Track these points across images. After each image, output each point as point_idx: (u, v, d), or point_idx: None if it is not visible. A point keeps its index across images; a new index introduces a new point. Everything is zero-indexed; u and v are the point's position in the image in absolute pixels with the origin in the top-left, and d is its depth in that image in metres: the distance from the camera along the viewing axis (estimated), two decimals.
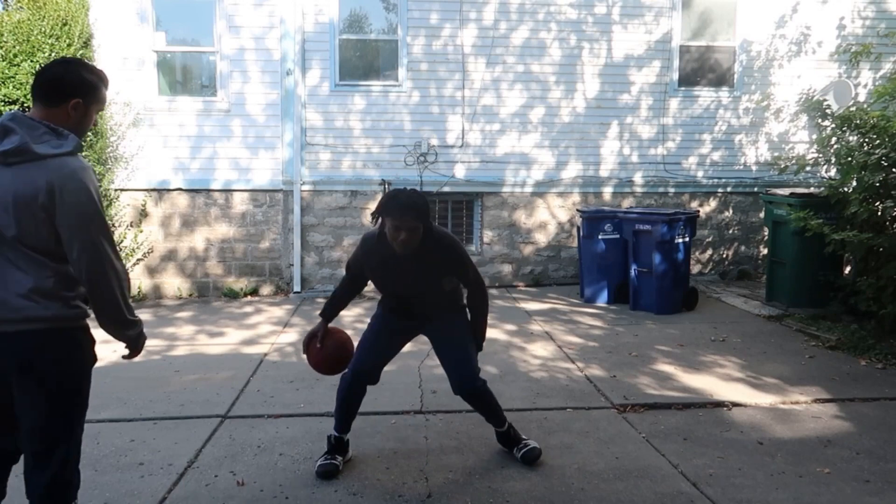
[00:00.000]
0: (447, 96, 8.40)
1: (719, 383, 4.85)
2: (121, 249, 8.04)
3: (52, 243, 2.18)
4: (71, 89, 2.27)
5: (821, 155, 7.04)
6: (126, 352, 2.49)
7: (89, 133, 7.31)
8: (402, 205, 3.10)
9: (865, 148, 6.12)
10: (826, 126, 6.90)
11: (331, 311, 3.59)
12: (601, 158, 8.70)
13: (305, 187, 8.35)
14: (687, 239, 7.14)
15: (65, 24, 7.37)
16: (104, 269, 2.21)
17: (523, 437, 3.68)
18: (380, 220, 3.24)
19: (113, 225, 7.96)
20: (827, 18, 8.71)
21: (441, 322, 3.52)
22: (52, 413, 2.25)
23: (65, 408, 2.29)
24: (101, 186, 7.54)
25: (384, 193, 3.29)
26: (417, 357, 5.42)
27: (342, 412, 3.56)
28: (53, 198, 2.13)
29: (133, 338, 2.41)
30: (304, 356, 3.59)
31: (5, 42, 7.12)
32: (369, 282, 3.63)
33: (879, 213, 6.01)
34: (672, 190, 8.81)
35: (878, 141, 5.99)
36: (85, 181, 2.18)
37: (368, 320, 6.76)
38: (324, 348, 3.49)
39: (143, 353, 4.92)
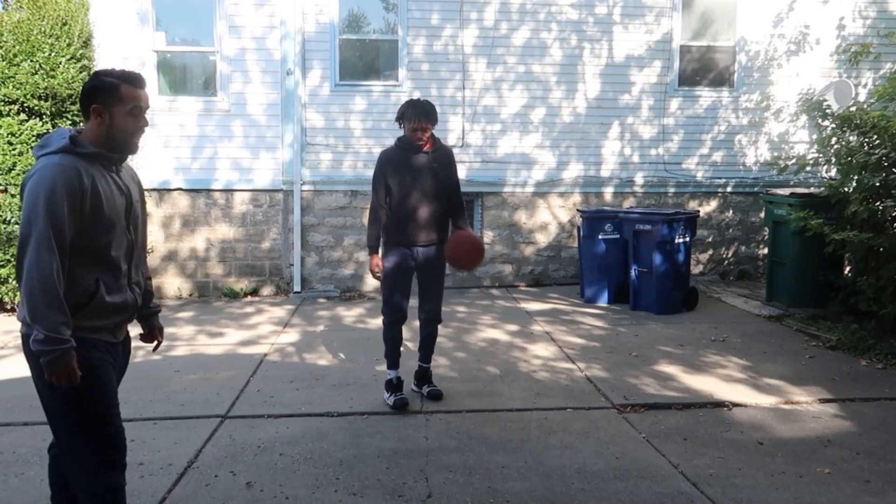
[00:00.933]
0: (448, 97, 8.39)
1: (719, 383, 4.85)
2: None
3: None
4: (88, 97, 2.33)
5: (821, 155, 7.04)
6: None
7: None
8: (420, 112, 4.19)
9: (865, 148, 6.12)
10: (826, 126, 6.90)
11: (377, 242, 4.44)
12: (602, 159, 8.70)
13: (306, 187, 8.35)
14: (687, 239, 7.14)
15: (65, 24, 7.37)
16: (21, 267, 2.20)
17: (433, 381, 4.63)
18: (401, 123, 4.29)
19: None
20: (827, 18, 8.71)
21: (430, 263, 4.37)
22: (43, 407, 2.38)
23: (45, 406, 2.36)
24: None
25: (404, 102, 4.34)
26: (417, 357, 5.41)
27: (394, 354, 4.48)
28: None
29: (39, 352, 2.17)
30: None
31: (5, 42, 7.12)
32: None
33: (879, 213, 6.01)
34: (672, 190, 8.81)
35: (878, 141, 5.99)
36: (37, 178, 2.21)
37: (370, 320, 6.79)
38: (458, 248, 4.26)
39: (142, 352, 4.93)
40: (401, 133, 4.38)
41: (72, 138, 2.29)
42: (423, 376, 4.63)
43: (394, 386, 4.45)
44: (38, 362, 2.21)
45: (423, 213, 4.30)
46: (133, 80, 2.36)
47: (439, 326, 4.62)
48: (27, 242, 2.18)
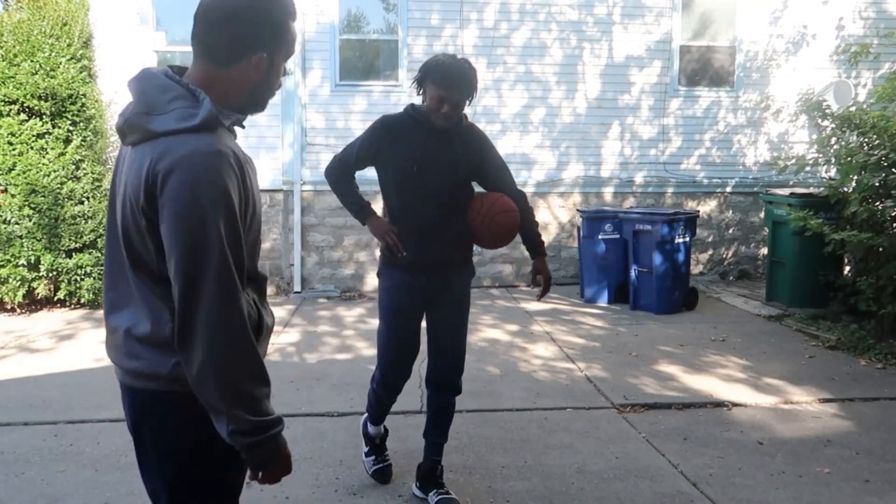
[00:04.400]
0: None
1: (719, 383, 4.85)
2: None
3: (163, 264, 1.46)
4: (255, 39, 1.53)
5: (820, 155, 7.04)
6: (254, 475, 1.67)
7: (89, 133, 7.36)
8: (454, 78, 2.76)
9: (865, 148, 6.12)
10: (826, 126, 6.91)
11: (361, 199, 3.10)
12: (602, 159, 8.70)
13: (306, 188, 8.35)
14: (687, 239, 7.15)
15: (65, 25, 7.37)
16: (194, 322, 1.42)
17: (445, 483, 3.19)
18: (421, 89, 2.88)
19: None
20: (826, 18, 8.71)
21: (453, 290, 3.05)
22: (162, 488, 1.66)
23: (176, 489, 1.65)
24: (101, 188, 7.53)
25: (430, 58, 2.86)
26: (417, 357, 5.42)
27: (379, 410, 3.26)
28: (154, 193, 1.41)
29: (249, 447, 1.51)
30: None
31: (5, 42, 7.12)
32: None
33: (879, 213, 6.01)
34: (672, 190, 8.81)
35: (877, 141, 5.99)
36: (191, 173, 1.39)
37: (370, 320, 6.76)
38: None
39: None
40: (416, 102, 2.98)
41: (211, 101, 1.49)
42: (430, 474, 3.13)
43: (376, 446, 3.31)
44: (174, 436, 1.59)
45: (431, 226, 2.90)
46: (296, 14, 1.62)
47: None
48: (199, 284, 1.40)
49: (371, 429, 3.32)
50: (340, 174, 3.11)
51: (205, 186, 1.39)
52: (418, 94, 2.93)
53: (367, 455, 3.38)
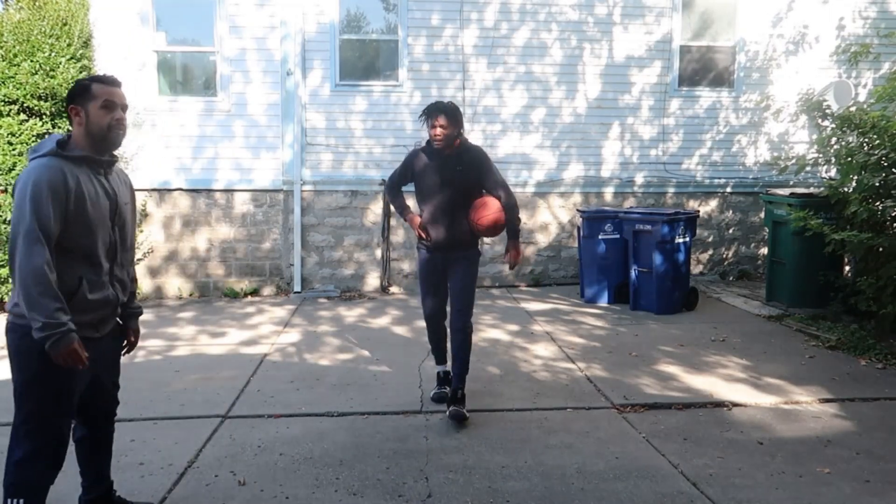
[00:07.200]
0: (448, 97, 8.32)
1: (719, 383, 4.85)
2: None
3: None
4: (67, 102, 2.60)
5: (821, 155, 7.03)
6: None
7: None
8: (436, 109, 4.15)
9: (865, 148, 6.12)
10: (826, 126, 6.91)
11: (405, 205, 4.49)
12: (602, 159, 8.70)
13: (306, 188, 8.35)
14: (687, 239, 7.15)
15: (65, 24, 7.38)
16: (13, 260, 2.38)
17: (465, 406, 4.27)
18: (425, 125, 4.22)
19: None
20: (827, 18, 8.71)
21: (461, 262, 4.28)
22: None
23: (14, 388, 2.53)
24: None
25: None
26: (417, 357, 5.42)
27: (437, 350, 4.56)
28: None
29: (42, 339, 2.34)
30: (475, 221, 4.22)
31: (5, 42, 7.13)
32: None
33: (879, 213, 6.00)
34: (672, 190, 8.81)
35: (877, 141, 5.99)
36: (24, 178, 2.40)
37: (371, 320, 6.78)
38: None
39: (143, 353, 4.92)
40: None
41: (59, 143, 2.51)
42: (452, 396, 4.25)
43: (440, 379, 4.55)
44: (17, 346, 2.46)
45: (444, 220, 4.22)
46: (103, 79, 2.60)
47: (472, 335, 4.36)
48: (17, 237, 2.35)
49: (437, 367, 4.59)
50: (391, 188, 4.52)
51: (29, 184, 2.36)
52: (423, 129, 4.26)
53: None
